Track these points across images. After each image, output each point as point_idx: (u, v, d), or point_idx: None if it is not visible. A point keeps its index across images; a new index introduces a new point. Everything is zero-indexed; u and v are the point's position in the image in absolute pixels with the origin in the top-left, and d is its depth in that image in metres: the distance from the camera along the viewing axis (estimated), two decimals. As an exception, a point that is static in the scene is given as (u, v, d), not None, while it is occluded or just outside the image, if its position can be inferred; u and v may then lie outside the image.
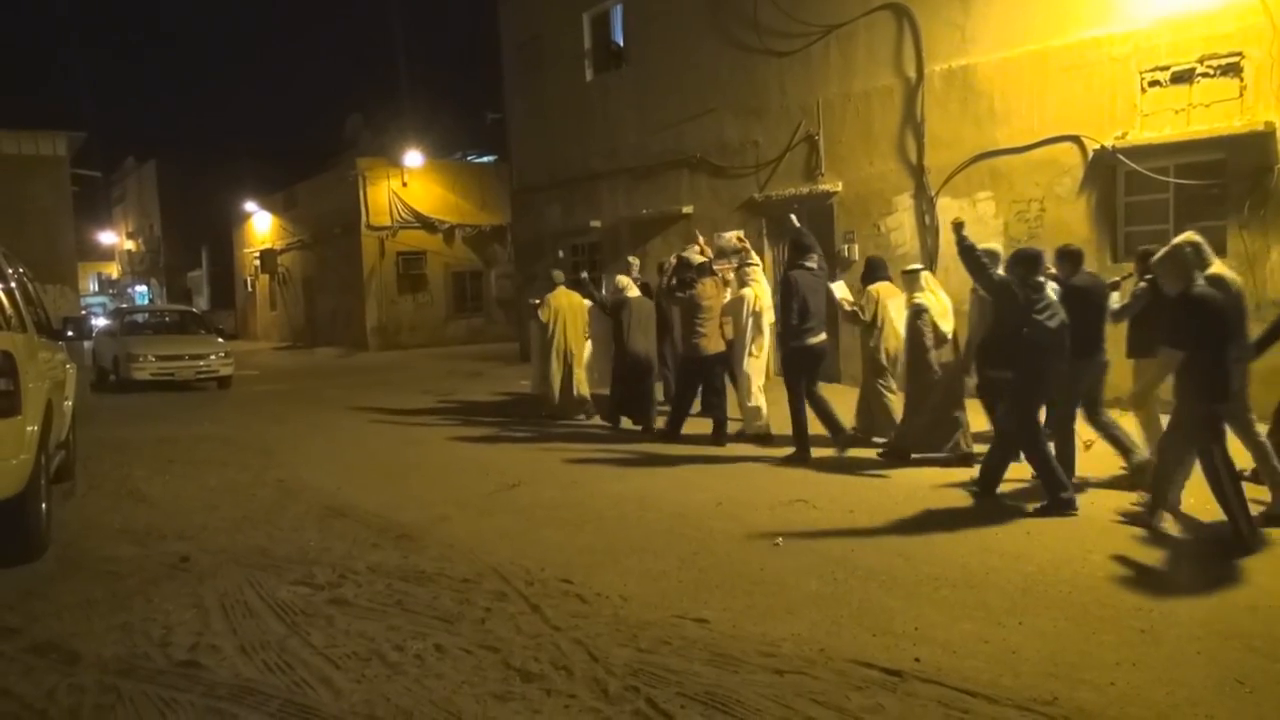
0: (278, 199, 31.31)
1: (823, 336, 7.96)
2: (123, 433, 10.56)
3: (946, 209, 11.20)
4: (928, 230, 11.37)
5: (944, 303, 7.65)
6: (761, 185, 13.41)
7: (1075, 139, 9.98)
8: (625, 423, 9.85)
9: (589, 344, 10.77)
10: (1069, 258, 6.77)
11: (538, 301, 10.83)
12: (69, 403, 7.41)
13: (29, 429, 5.10)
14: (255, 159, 36.06)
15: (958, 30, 10.97)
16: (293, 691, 3.54)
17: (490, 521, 6.16)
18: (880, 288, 8.18)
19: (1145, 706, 3.27)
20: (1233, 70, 8.82)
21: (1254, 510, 5.21)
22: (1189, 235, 5.74)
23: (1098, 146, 9.76)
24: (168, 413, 12.64)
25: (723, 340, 8.79)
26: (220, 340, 16.84)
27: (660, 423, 9.33)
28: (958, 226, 6.64)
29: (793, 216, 8.39)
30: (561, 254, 16.79)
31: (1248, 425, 5.75)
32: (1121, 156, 9.59)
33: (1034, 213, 10.38)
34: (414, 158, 25.51)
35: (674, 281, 9.32)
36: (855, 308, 8.23)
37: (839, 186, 12.38)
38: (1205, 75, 9.00)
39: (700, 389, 9.05)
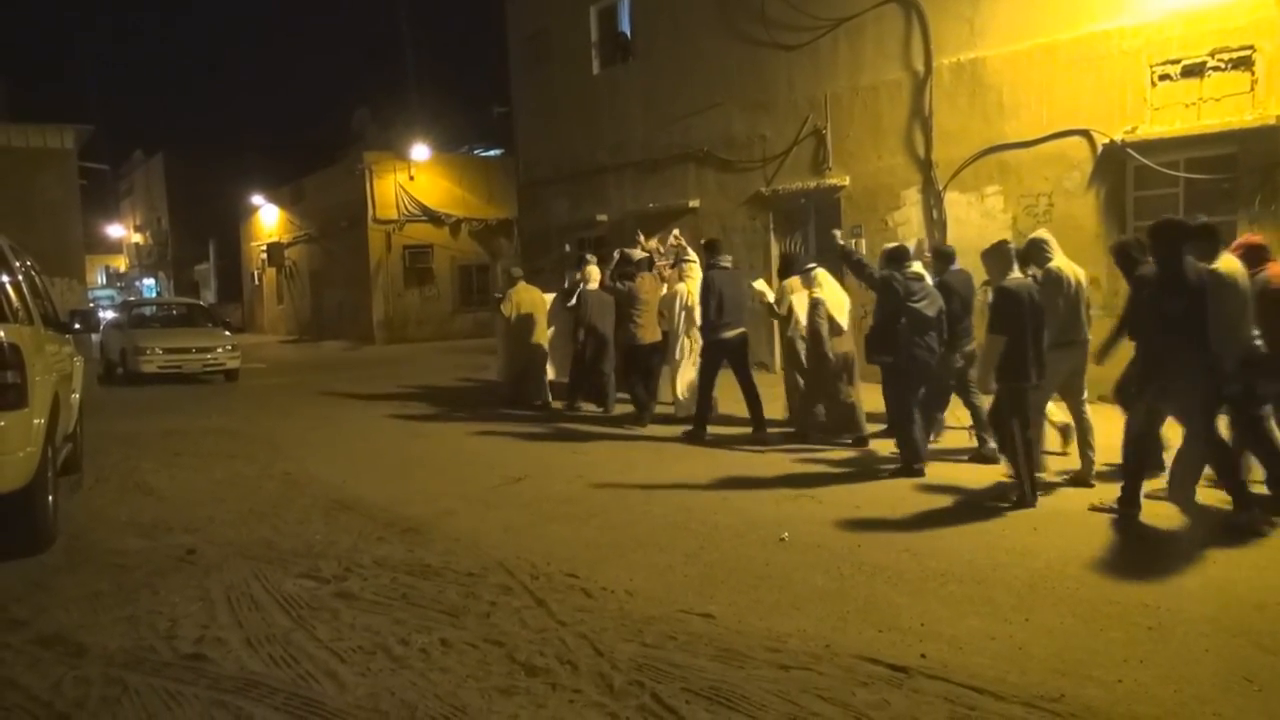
0: (285, 192, 31.36)
1: (740, 330, 8.63)
2: (130, 425, 10.59)
3: (954, 203, 11.17)
4: (935, 224, 11.33)
5: (839, 296, 8.32)
6: (768, 179, 13.37)
7: (1084, 133, 9.93)
8: (588, 408, 10.47)
9: (550, 333, 11.21)
10: (941, 257, 7.65)
11: (500, 296, 11.56)
12: (76, 395, 7.43)
13: (36, 422, 5.11)
14: (262, 152, 36.09)
15: (966, 23, 10.91)
16: (298, 685, 3.54)
17: (496, 515, 6.17)
18: (792, 282, 8.52)
19: (1153, 704, 3.25)
20: (1244, 64, 8.76)
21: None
22: (1040, 232, 6.81)
23: (1107, 140, 9.70)
24: (175, 405, 12.67)
25: (659, 331, 9.49)
26: (227, 333, 16.87)
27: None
28: (833, 237, 8.11)
29: (836, 233, 8.58)
30: (568, 248, 16.78)
31: (1041, 407, 6.50)
32: (1131, 151, 9.54)
33: (1042, 207, 10.33)
34: (420, 151, 25.53)
35: (615, 274, 9.99)
36: (771, 303, 8.69)
37: (846, 180, 12.34)
38: (1216, 69, 8.94)
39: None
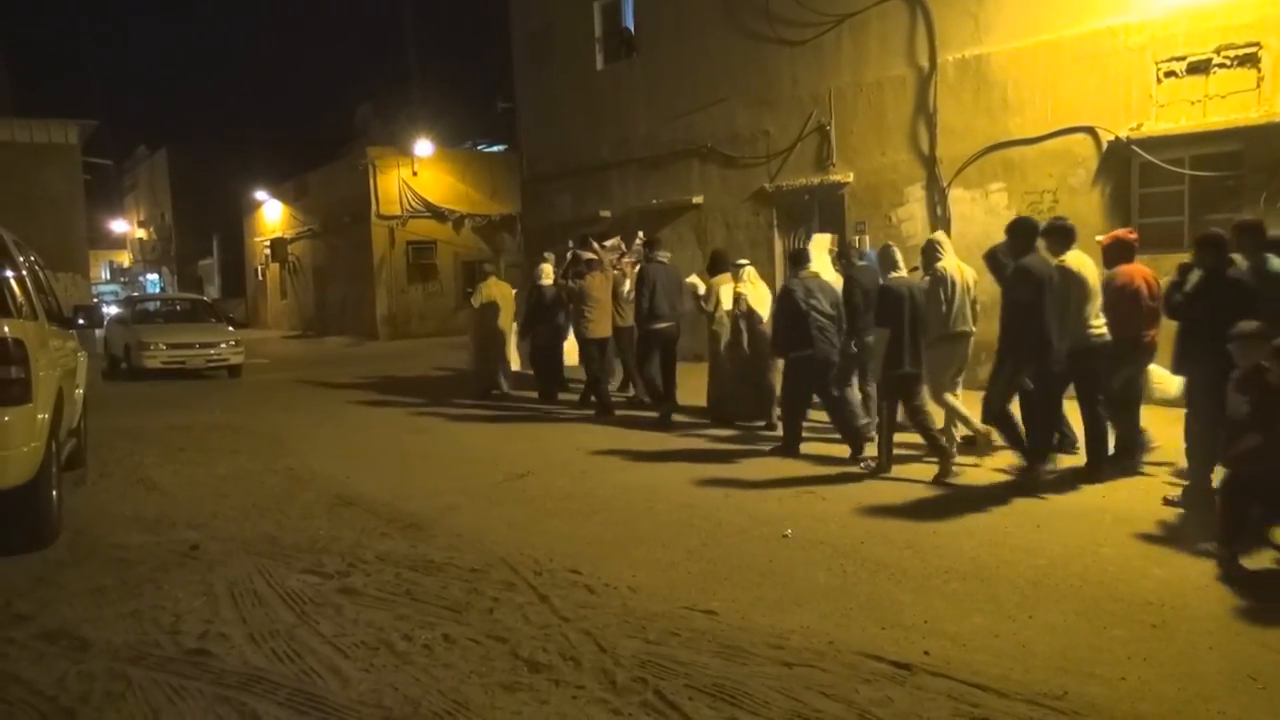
0: (288, 188, 31.37)
1: (670, 322, 9.45)
2: (134, 421, 10.61)
3: (958, 200, 11.15)
4: (939, 221, 11.30)
5: (762, 291, 8.96)
6: (772, 175, 13.36)
7: (1089, 130, 9.90)
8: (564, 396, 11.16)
9: (515, 326, 11.99)
10: (843, 256, 8.38)
11: (471, 291, 12.46)
12: (80, 390, 7.44)
13: (40, 417, 5.12)
14: (266, 148, 36.13)
15: (971, 19, 10.88)
16: (301, 680, 3.55)
17: (499, 511, 6.17)
18: (720, 278, 9.20)
19: (1156, 702, 3.25)
20: (1250, 61, 8.73)
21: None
22: (936, 235, 7.59)
23: (1112, 137, 9.68)
24: (178, 401, 12.69)
25: (609, 326, 10.07)
26: (231, 329, 16.91)
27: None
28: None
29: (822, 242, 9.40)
30: (572, 244, 16.76)
31: (939, 391, 7.19)
32: (1136, 148, 9.51)
33: (1047, 204, 10.31)
34: (424, 147, 25.51)
35: (569, 273, 10.66)
36: (701, 295, 9.44)
37: (850, 177, 12.32)
38: (1222, 66, 8.91)
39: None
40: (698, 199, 14.50)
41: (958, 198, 11.14)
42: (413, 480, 7.21)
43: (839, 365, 7.67)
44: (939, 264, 7.16)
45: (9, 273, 5.61)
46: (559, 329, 11.01)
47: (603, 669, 3.56)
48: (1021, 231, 6.38)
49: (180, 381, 15.11)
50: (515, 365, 11.81)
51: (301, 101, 74.00)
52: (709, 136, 14.27)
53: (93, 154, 25.16)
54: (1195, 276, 5.90)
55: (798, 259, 7.96)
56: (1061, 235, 6.58)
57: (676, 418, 9.43)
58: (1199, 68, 9.05)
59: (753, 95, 13.56)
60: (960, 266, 7.24)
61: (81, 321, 7.61)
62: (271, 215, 33.25)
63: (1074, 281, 6.32)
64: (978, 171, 10.94)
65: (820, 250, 9.04)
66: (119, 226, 50.12)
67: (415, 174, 25.97)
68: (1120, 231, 7.26)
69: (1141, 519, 5.48)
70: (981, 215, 10.82)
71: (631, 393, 10.74)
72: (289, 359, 20.74)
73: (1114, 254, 6.81)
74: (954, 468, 6.70)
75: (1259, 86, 8.69)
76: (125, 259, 51.08)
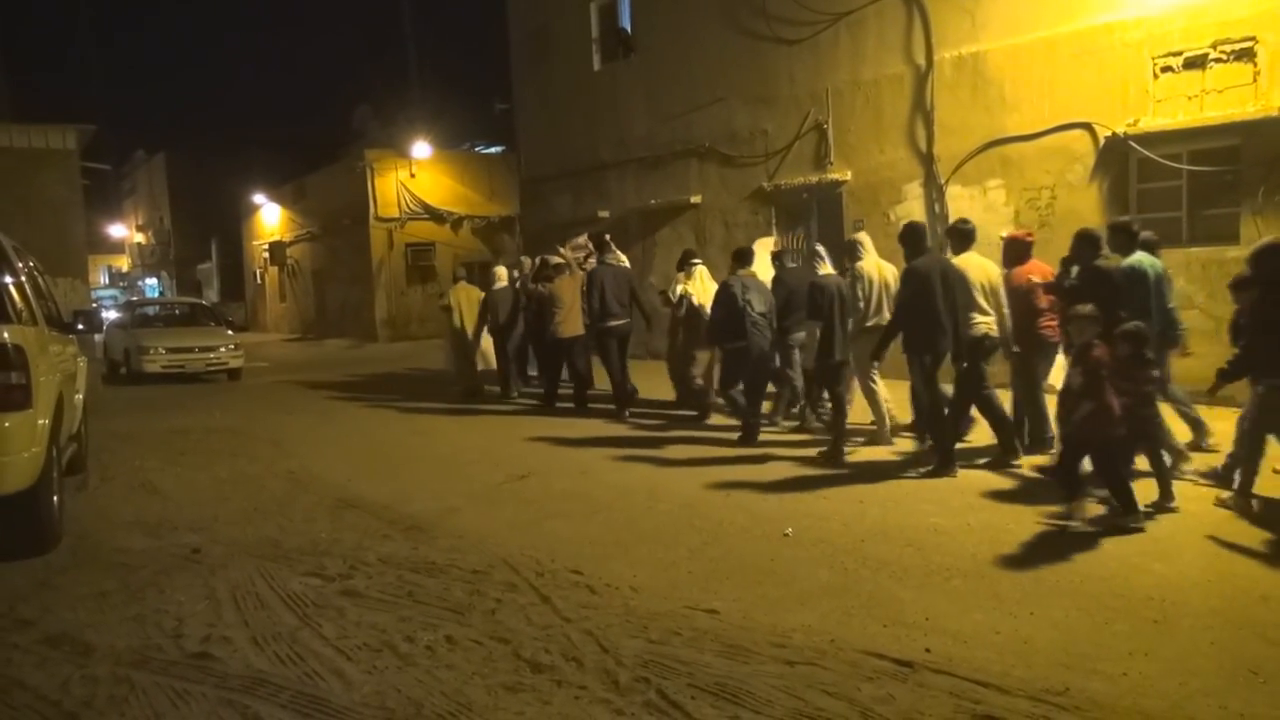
0: (286, 191, 31.36)
1: (622, 320, 10.00)
2: (134, 425, 10.61)
3: (956, 197, 11.15)
4: (938, 218, 11.30)
5: (710, 289, 9.30)
6: (771, 174, 13.36)
7: (1087, 126, 9.91)
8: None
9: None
10: (778, 257, 9.26)
11: (443, 294, 13.20)
12: (80, 395, 7.45)
13: (41, 422, 5.13)
14: (264, 150, 36.15)
15: (968, 17, 10.88)
16: (304, 683, 3.55)
17: (500, 512, 6.17)
18: (681, 276, 9.90)
19: (1158, 697, 3.25)
20: (1247, 55, 8.74)
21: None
22: (859, 235, 8.18)
23: (1110, 133, 9.68)
24: (178, 405, 12.69)
25: (580, 325, 10.41)
26: (230, 332, 16.91)
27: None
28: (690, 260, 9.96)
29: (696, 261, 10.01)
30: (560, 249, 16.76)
31: (864, 379, 7.89)
32: (1134, 143, 9.51)
33: (1045, 200, 10.32)
34: (422, 149, 25.50)
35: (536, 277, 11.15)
36: (665, 292, 10.20)
37: (848, 175, 12.32)
38: (1219, 60, 8.91)
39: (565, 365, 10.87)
40: (696, 198, 14.51)
41: (956, 195, 11.15)
42: (413, 482, 7.22)
43: (769, 358, 8.38)
44: (858, 263, 7.74)
45: (8, 279, 5.61)
46: (511, 330, 11.58)
47: (605, 669, 3.57)
48: (909, 237, 7.03)
49: (180, 385, 15.11)
50: (480, 366, 12.34)
51: (299, 104, 74.16)
52: (707, 136, 14.28)
53: (91, 159, 25.12)
54: (1075, 271, 6.65)
55: (740, 258, 8.53)
56: (959, 237, 7.29)
57: (681, 418, 9.52)
58: (1196, 63, 9.06)
59: (750, 94, 13.57)
60: (880, 265, 7.81)
61: (81, 326, 7.61)
62: (270, 218, 33.24)
63: (957, 280, 6.87)
64: (975, 169, 10.95)
65: (763, 252, 9.73)
66: (117, 231, 50.10)
67: (413, 176, 25.96)
68: (1017, 232, 7.93)
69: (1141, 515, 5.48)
70: (980, 212, 10.81)
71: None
72: (289, 362, 20.73)
73: (1010, 254, 7.34)
74: (845, 453, 7.36)
75: (1255, 81, 8.69)
76: (124, 263, 51.05)
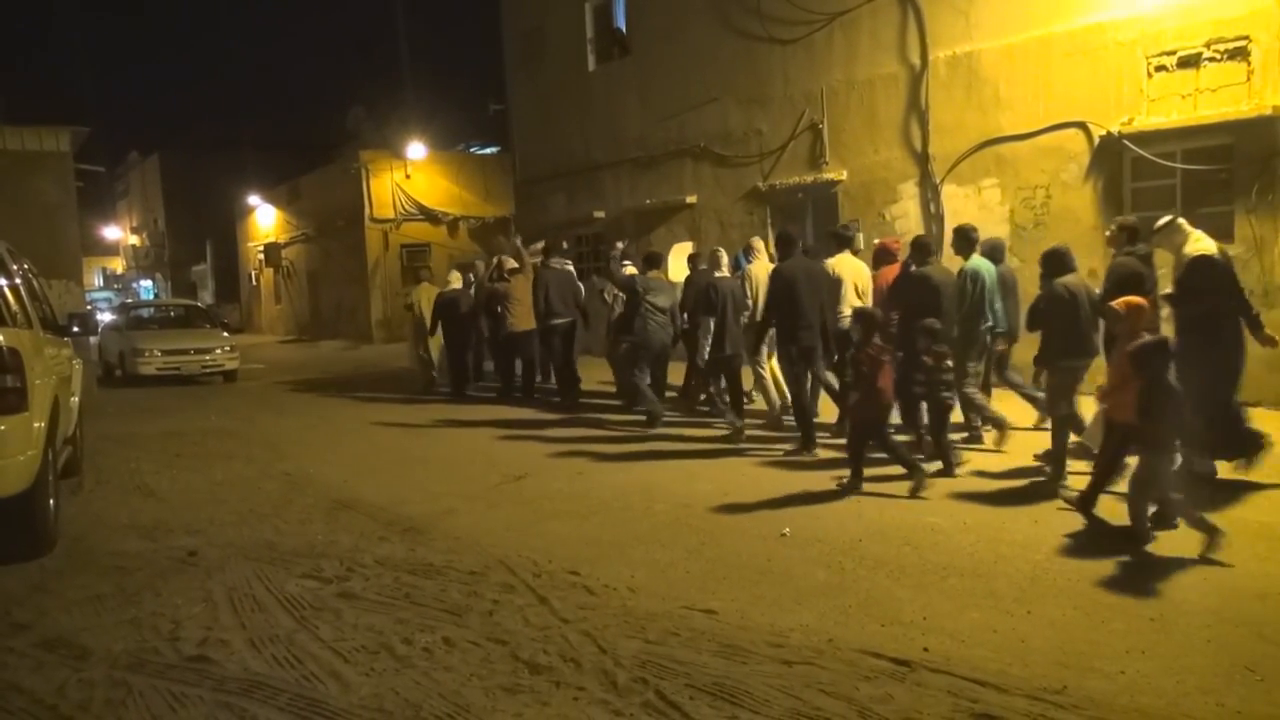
0: (281, 192, 31.30)
1: (565, 319, 10.85)
2: (129, 427, 10.59)
3: (951, 196, 11.17)
4: (933, 218, 11.33)
5: (669, 290, 9.88)
6: (765, 174, 13.37)
7: (1081, 125, 9.92)
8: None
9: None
10: (692, 260, 10.08)
11: (407, 295, 14.15)
12: (75, 398, 7.42)
13: (36, 425, 5.11)
14: (258, 152, 36.04)
15: (962, 16, 10.90)
16: (302, 685, 3.55)
17: (497, 513, 6.17)
18: (654, 275, 10.37)
19: (1155, 695, 3.26)
20: (1240, 54, 8.76)
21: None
22: (753, 240, 9.28)
23: (1104, 132, 9.69)
24: (174, 407, 12.66)
25: (532, 320, 11.17)
26: (225, 334, 16.86)
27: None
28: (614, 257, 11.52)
29: (618, 247, 11.50)
30: (566, 245, 16.76)
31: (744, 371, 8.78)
32: (1127, 142, 9.53)
33: (1040, 199, 10.33)
34: (417, 150, 25.46)
35: (494, 277, 11.96)
36: (611, 295, 10.81)
37: (843, 175, 12.34)
38: (1212, 60, 8.93)
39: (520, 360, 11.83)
40: (691, 198, 14.51)
41: (950, 194, 11.16)
42: (410, 483, 7.21)
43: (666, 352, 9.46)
44: (749, 265, 8.72)
45: (3, 281, 5.61)
46: (468, 330, 12.44)
47: (603, 670, 3.57)
48: (780, 242, 8.07)
49: (175, 387, 15.07)
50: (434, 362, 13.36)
51: (293, 105, 74.07)
52: (701, 136, 14.28)
53: (85, 160, 25.07)
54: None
55: (649, 261, 9.72)
56: (835, 240, 8.47)
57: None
58: (1189, 62, 9.08)
59: (745, 94, 13.58)
60: (769, 267, 8.38)
61: (76, 329, 7.59)
62: (264, 220, 33.19)
63: (824, 280, 7.87)
64: (970, 168, 10.97)
65: (680, 256, 10.56)
66: (112, 233, 49.98)
67: (408, 177, 25.93)
68: (886, 240, 8.92)
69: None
70: (975, 211, 10.83)
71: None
72: (284, 364, 20.69)
73: (877, 258, 8.48)
74: (742, 438, 8.12)
75: (1249, 80, 8.71)
76: (118, 265, 50.95)
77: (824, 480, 6.62)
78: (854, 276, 8.19)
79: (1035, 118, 10.29)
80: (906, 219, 11.63)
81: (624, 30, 16.12)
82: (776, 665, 3.56)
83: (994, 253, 7.89)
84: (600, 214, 16.28)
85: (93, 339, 16.91)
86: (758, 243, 9.02)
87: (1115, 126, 9.59)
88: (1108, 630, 3.83)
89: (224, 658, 3.84)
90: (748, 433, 8.30)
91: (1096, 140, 9.80)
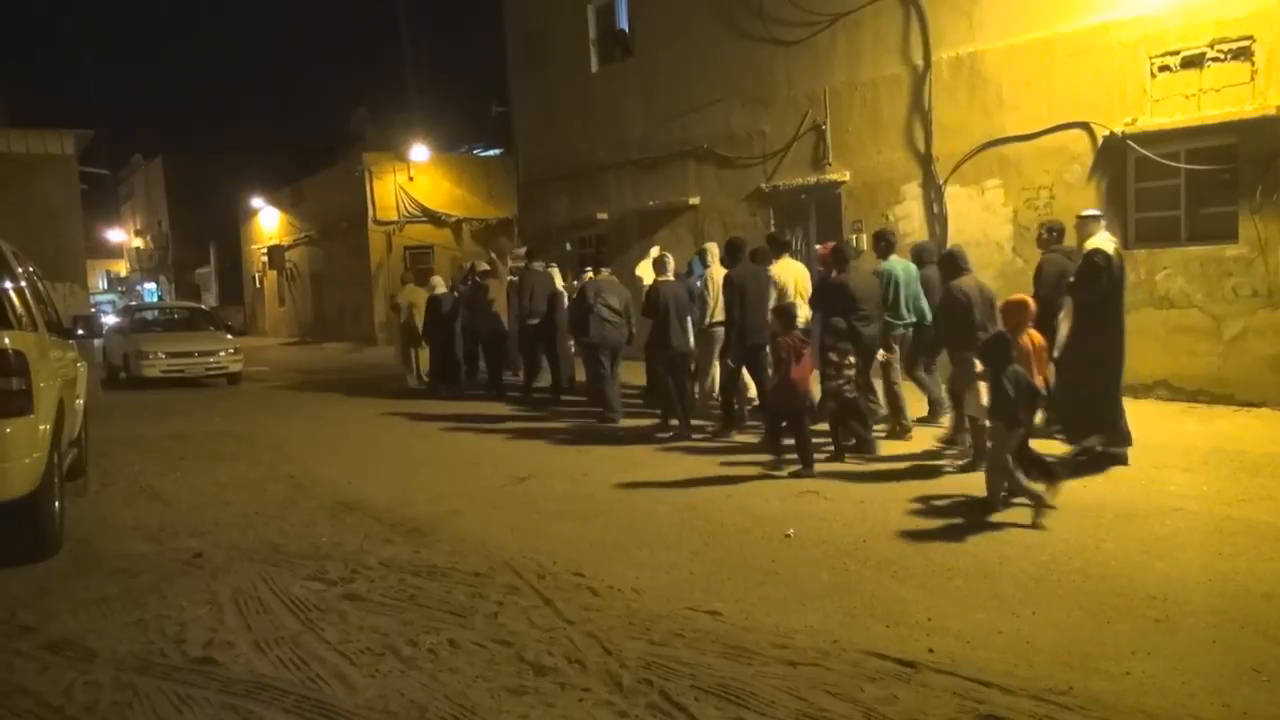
0: (284, 195, 31.35)
1: (538, 320, 11.58)
2: (134, 430, 10.61)
3: (955, 197, 11.16)
4: (936, 219, 11.32)
5: (620, 291, 10.30)
6: (769, 175, 13.36)
7: (1085, 125, 9.91)
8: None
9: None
10: (661, 262, 9.94)
11: (394, 296, 14.84)
12: (80, 401, 7.44)
13: (41, 428, 5.12)
14: (261, 154, 36.12)
15: (965, 17, 10.89)
16: (307, 687, 3.55)
17: (501, 515, 6.17)
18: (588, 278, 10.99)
19: (1161, 695, 3.26)
20: (1244, 54, 8.74)
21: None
22: (707, 244, 9.65)
23: (1107, 133, 9.68)
24: (178, 409, 12.69)
25: (504, 322, 12.15)
26: (229, 336, 16.91)
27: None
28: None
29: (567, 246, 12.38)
30: (569, 246, 16.78)
31: (707, 369, 9.51)
32: (1131, 142, 9.52)
33: (1043, 200, 10.32)
34: (420, 152, 25.48)
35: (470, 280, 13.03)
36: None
37: (846, 176, 12.33)
38: (1216, 60, 8.92)
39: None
40: (694, 200, 14.51)
41: (954, 195, 11.15)
42: (414, 485, 7.22)
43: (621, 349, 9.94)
44: (706, 270, 9.17)
45: (8, 284, 5.61)
46: (453, 331, 13.13)
47: (608, 671, 3.57)
48: (730, 249, 8.65)
49: (180, 390, 15.11)
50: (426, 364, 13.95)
51: (297, 107, 74.13)
52: (705, 137, 14.28)
53: (89, 163, 25.16)
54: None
55: (597, 265, 10.66)
56: (774, 246, 9.10)
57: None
58: (1193, 62, 9.06)
59: (748, 95, 13.57)
60: (721, 271, 8.79)
61: (80, 331, 7.61)
62: (268, 222, 33.23)
63: (768, 282, 8.51)
64: (974, 169, 10.95)
65: (647, 260, 10.63)
66: (116, 236, 50.06)
67: (411, 179, 25.96)
68: (827, 245, 9.46)
69: (1143, 514, 5.50)
70: (978, 212, 10.84)
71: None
72: (288, 366, 20.73)
73: (827, 263, 8.64)
74: (669, 430, 8.70)
75: (1253, 80, 8.70)
76: (122, 268, 51.02)
77: (831, 486, 6.62)
78: (794, 279, 8.76)
79: (1039, 118, 10.27)
80: (910, 220, 11.62)
81: (627, 31, 16.12)
82: (781, 666, 3.56)
83: (921, 255, 8.57)
84: (603, 215, 16.29)
85: (97, 341, 16.98)
86: (713, 247, 9.38)
87: (1119, 127, 9.57)
88: (1113, 631, 3.82)
89: (229, 660, 3.84)
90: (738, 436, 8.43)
91: (1100, 141, 9.78)
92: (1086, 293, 6.65)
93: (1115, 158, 9.73)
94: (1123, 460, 6.64)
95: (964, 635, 3.82)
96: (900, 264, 8.25)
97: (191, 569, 5.13)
